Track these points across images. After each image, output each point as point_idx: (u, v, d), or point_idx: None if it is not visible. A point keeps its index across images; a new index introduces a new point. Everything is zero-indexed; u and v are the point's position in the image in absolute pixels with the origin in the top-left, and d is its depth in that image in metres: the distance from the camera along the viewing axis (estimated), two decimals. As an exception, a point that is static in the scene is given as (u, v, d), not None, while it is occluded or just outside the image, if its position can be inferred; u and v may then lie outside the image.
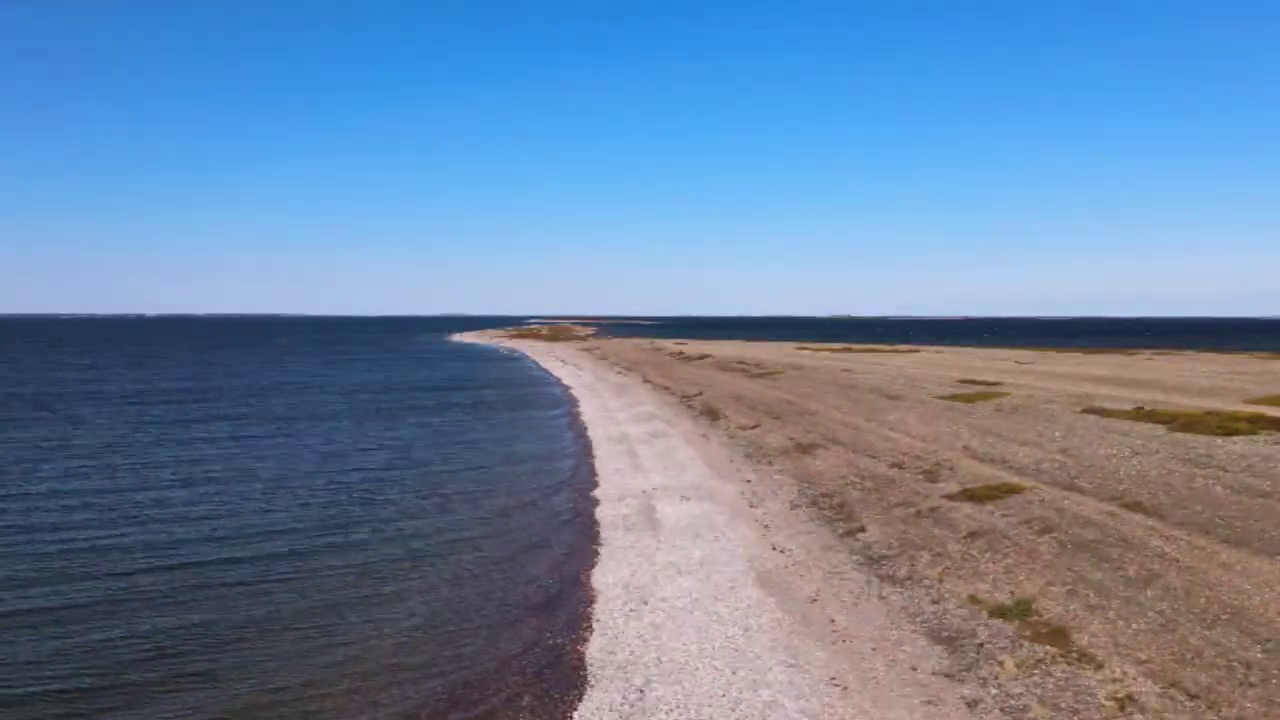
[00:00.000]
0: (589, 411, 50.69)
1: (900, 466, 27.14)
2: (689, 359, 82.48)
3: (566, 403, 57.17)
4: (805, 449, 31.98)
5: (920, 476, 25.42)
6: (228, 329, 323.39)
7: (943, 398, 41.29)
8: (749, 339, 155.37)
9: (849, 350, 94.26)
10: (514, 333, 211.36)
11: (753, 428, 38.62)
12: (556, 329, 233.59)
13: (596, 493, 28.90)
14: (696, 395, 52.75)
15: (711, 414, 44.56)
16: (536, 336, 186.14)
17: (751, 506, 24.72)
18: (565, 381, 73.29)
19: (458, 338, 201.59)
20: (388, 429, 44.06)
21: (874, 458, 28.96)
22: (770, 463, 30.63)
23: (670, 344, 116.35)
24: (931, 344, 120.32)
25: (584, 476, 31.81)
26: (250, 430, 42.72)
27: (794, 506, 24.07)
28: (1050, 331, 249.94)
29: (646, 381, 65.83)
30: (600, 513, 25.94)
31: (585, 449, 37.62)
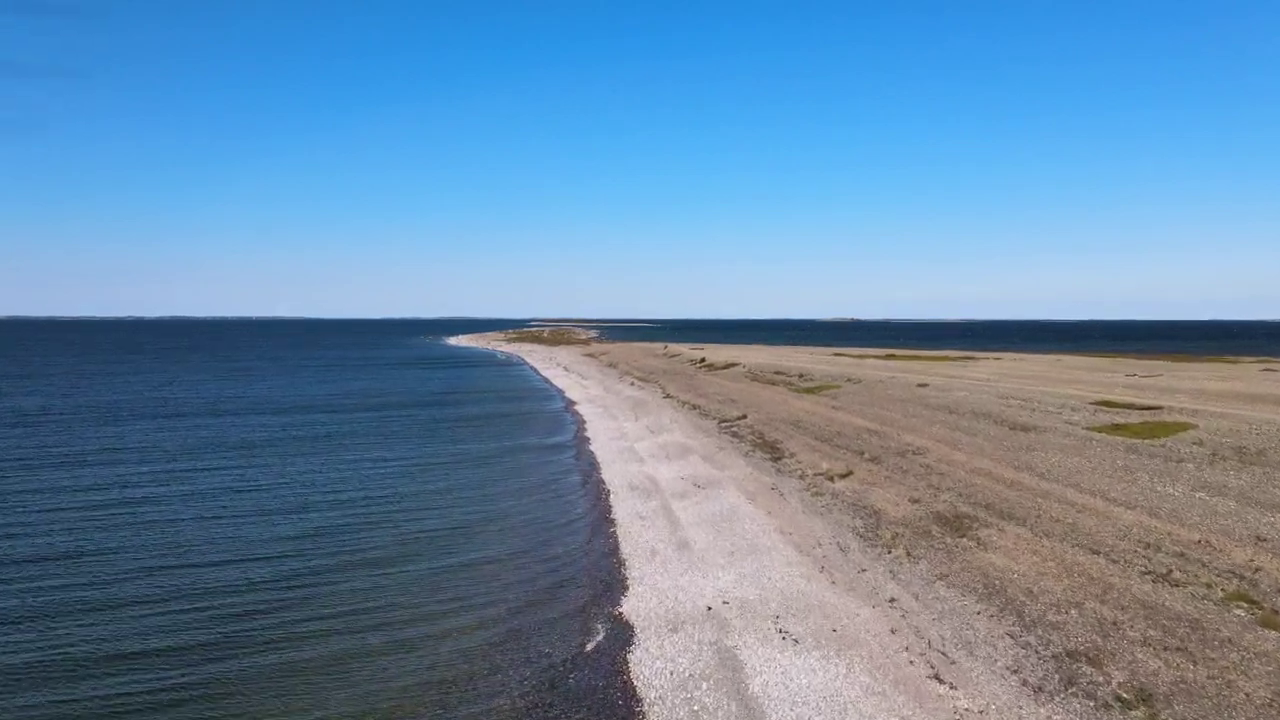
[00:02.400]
0: (601, 440, 38.85)
1: (1169, 580, 15.30)
2: (714, 368, 70.51)
3: (572, 426, 45.24)
4: (955, 525, 20.11)
5: (1240, 610, 13.63)
6: (221, 332, 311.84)
7: (1099, 429, 29.48)
8: (761, 343, 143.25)
9: (892, 357, 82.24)
10: (513, 336, 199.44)
11: (842, 476, 26.74)
12: (558, 332, 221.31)
13: (626, 608, 17.18)
14: (739, 419, 40.87)
15: (771, 449, 32.66)
16: (537, 340, 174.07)
17: (936, 678, 12.84)
18: (570, 395, 61.34)
19: (454, 341, 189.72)
20: (322, 470, 32.21)
21: (1098, 554, 17.12)
22: (910, 554, 18.71)
23: (685, 349, 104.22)
24: (947, 349, 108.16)
25: (604, 569, 20.02)
26: (130, 472, 30.92)
27: (1034, 690, 12.15)
28: (1057, 335, 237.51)
29: (669, 397, 53.89)
30: (640, 668, 14.23)
31: (601, 509, 25.78)
